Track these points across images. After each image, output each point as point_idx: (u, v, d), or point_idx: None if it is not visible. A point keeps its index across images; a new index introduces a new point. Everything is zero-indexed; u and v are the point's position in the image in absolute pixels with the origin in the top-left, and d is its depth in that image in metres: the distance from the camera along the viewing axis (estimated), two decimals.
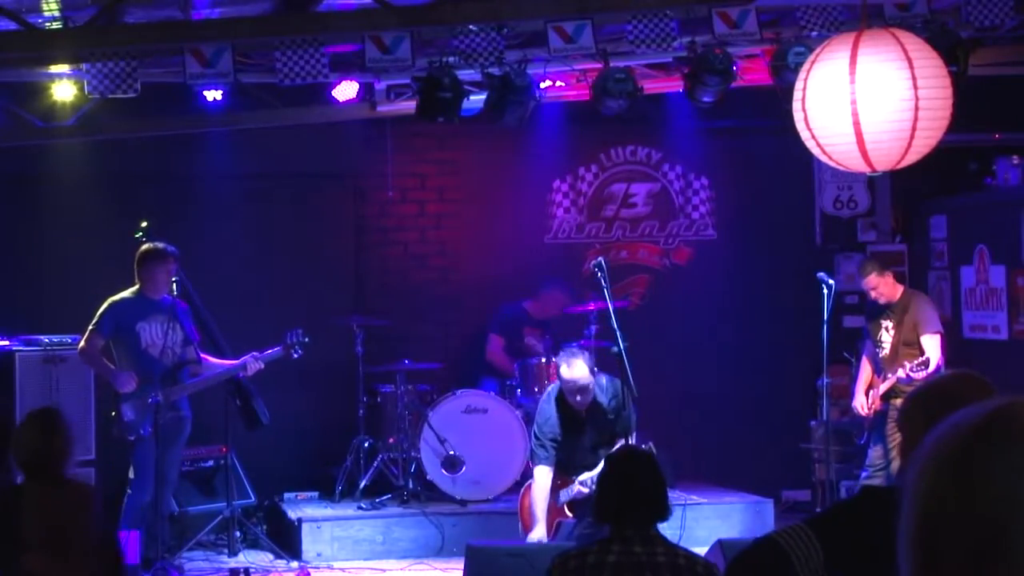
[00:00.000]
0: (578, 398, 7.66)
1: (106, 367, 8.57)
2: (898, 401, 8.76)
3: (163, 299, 8.65)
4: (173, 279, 8.62)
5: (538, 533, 7.72)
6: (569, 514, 7.83)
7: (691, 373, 10.45)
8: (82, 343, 8.61)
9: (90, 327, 8.57)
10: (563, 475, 7.82)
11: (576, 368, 7.61)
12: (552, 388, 7.96)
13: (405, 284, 10.81)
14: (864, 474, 9.03)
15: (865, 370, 9.13)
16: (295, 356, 8.86)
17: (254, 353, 8.77)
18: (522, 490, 8.12)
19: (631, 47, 7.71)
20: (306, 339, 8.85)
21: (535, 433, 7.88)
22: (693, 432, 10.67)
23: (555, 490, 7.82)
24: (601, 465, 7.53)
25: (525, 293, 10.38)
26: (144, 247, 8.65)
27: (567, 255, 10.92)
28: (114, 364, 8.61)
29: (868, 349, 9.17)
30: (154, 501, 8.50)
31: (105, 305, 8.57)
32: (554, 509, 7.82)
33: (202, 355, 8.76)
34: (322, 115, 9.75)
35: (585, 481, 7.65)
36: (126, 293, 8.64)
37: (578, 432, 7.77)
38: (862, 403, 9.01)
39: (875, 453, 8.95)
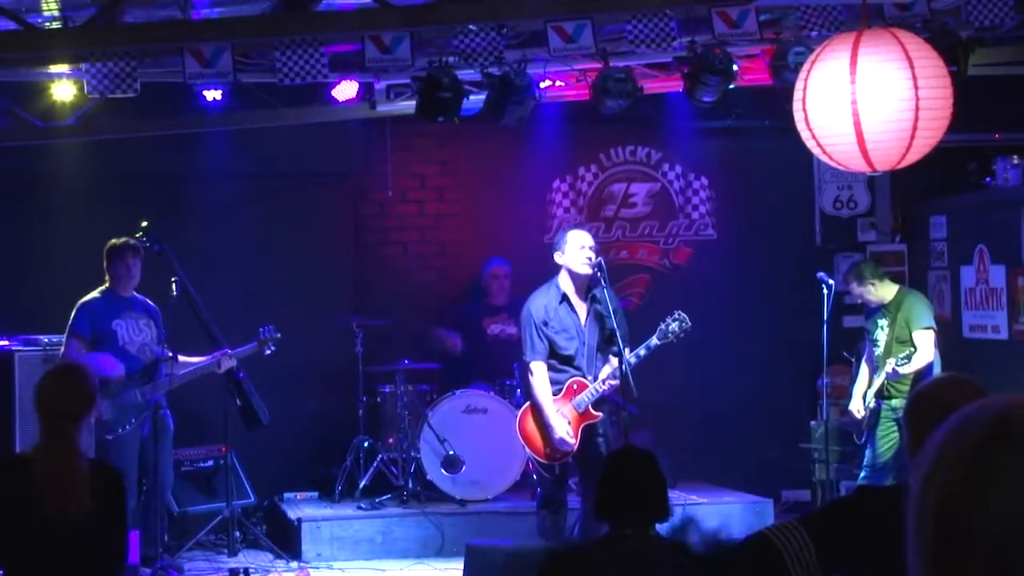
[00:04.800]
0: (591, 258, 7.67)
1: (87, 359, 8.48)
2: (895, 402, 8.78)
3: (134, 297, 8.66)
4: (173, 279, 8.61)
5: (562, 428, 7.67)
6: (597, 413, 7.77)
7: (691, 373, 10.45)
8: (62, 349, 8.53)
9: (67, 333, 8.50)
10: (576, 378, 7.77)
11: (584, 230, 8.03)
12: (550, 288, 7.85)
13: (405, 284, 10.80)
14: (863, 474, 9.04)
15: (863, 372, 9.15)
16: (268, 352, 8.82)
17: (226, 349, 8.75)
18: (519, 414, 7.95)
19: (631, 47, 7.70)
20: (278, 335, 8.81)
21: (534, 325, 7.75)
22: (693, 432, 10.67)
23: (572, 396, 7.75)
24: (614, 365, 7.67)
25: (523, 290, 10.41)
26: (109, 243, 8.64)
27: None
28: None
29: (867, 350, 9.18)
30: (152, 501, 8.49)
31: (76, 308, 8.51)
32: (576, 417, 7.75)
33: (176, 353, 8.70)
34: (322, 115, 9.75)
35: (608, 377, 7.64)
36: (95, 293, 8.60)
37: (580, 329, 7.75)
38: (858, 407, 9.02)
39: (870, 453, 8.96)
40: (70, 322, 8.50)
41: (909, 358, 8.66)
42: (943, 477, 1.38)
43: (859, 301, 9.35)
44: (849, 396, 9.24)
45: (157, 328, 8.64)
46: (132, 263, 8.58)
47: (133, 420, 8.42)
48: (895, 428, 8.76)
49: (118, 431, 8.35)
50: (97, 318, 8.51)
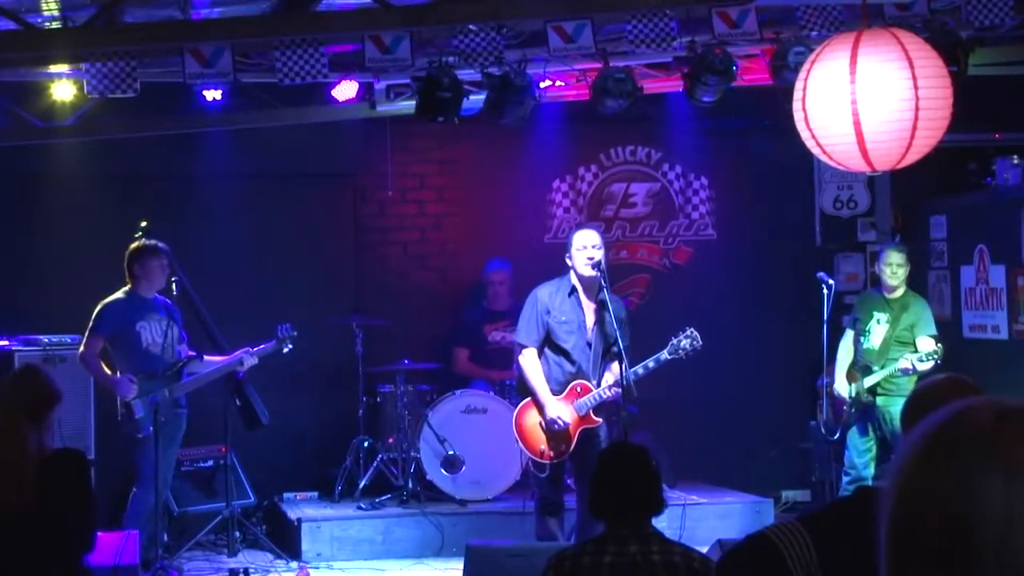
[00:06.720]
0: (592, 258, 7.64)
1: (105, 374, 8.50)
2: (880, 400, 8.76)
3: (156, 298, 8.66)
4: (173, 279, 8.62)
5: (557, 408, 7.68)
6: (597, 419, 7.78)
7: (691, 373, 10.40)
8: (81, 348, 8.54)
9: (88, 332, 8.50)
10: (580, 381, 7.76)
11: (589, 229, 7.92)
12: (562, 280, 7.82)
13: (405, 284, 10.80)
14: (846, 478, 8.97)
15: (846, 353, 9.05)
16: (286, 350, 8.84)
17: (248, 348, 8.76)
18: (516, 410, 7.94)
19: (631, 47, 7.70)
20: (295, 333, 8.83)
21: (535, 310, 7.74)
22: (693, 432, 10.66)
23: (575, 398, 7.75)
24: (616, 372, 7.66)
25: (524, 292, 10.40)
26: (136, 244, 8.63)
27: None
28: (114, 366, 8.58)
29: (855, 338, 9.05)
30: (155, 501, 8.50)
31: (100, 308, 8.51)
32: (577, 419, 7.75)
33: (201, 353, 8.76)
34: (322, 115, 9.75)
35: (612, 384, 7.64)
36: (118, 294, 8.59)
37: (583, 325, 7.74)
38: (844, 387, 8.96)
39: (855, 450, 8.89)
40: (92, 321, 8.48)
41: (930, 357, 8.57)
42: (903, 473, 1.43)
43: (888, 272, 8.99)
44: (833, 378, 9.16)
45: (178, 327, 8.65)
46: (165, 263, 8.60)
47: (161, 419, 8.44)
48: (877, 427, 8.78)
49: (149, 429, 8.36)
50: (121, 320, 8.50)
